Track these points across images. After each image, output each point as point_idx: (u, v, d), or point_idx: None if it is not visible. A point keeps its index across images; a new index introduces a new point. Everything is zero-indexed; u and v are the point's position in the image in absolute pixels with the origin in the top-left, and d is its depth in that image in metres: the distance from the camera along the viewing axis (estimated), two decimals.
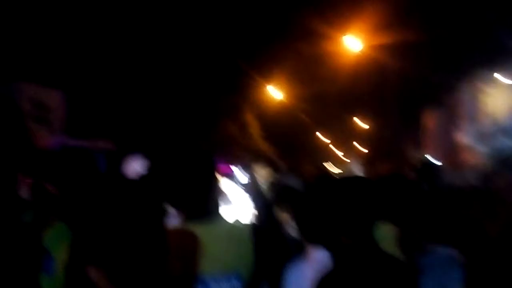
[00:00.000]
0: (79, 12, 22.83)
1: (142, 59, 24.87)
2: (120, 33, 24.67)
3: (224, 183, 3.17)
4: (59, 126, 22.55)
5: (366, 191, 1.82)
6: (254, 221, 2.54)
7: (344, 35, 18.02)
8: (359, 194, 1.79)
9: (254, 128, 30.81)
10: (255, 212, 2.35)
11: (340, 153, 56.04)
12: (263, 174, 3.27)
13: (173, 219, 2.17)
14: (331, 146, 52.37)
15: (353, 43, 17.78)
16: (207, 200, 1.79)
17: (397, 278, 1.63)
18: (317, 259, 1.87)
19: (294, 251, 2.03)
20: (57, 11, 22.26)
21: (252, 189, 2.23)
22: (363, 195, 1.79)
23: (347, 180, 2.07)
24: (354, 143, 48.14)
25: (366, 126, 39.80)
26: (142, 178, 3.00)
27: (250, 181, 2.29)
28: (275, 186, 2.94)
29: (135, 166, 3.72)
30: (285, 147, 33.19)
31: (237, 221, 1.83)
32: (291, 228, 2.29)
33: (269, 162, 3.61)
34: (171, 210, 2.84)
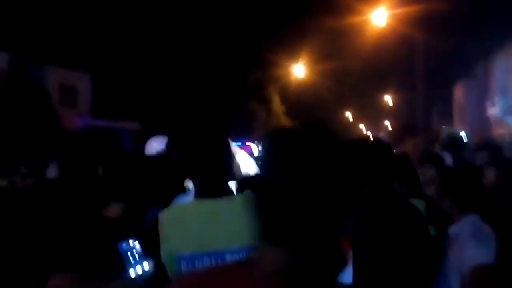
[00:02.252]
0: None
1: (166, 40, 24.97)
2: (144, 15, 24.78)
3: (241, 158, 3.18)
4: (86, 107, 23.10)
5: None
6: None
7: (371, 8, 17.51)
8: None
9: (276, 104, 30.75)
10: None
11: (365, 130, 55.46)
12: None
13: (191, 196, 2.19)
14: (356, 122, 51.84)
15: (379, 17, 17.24)
16: (220, 176, 1.80)
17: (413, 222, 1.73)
18: None
19: None
20: None
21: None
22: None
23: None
24: (382, 118, 47.48)
25: (392, 102, 39.12)
26: (161, 156, 3.05)
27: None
28: None
29: (156, 145, 3.78)
30: (307, 123, 32.98)
31: (252, 194, 1.83)
32: None
33: None
34: (191, 187, 2.89)
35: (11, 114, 13.16)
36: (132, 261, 1.73)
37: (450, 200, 2.12)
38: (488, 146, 3.85)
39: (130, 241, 1.76)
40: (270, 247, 0.90)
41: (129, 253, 1.73)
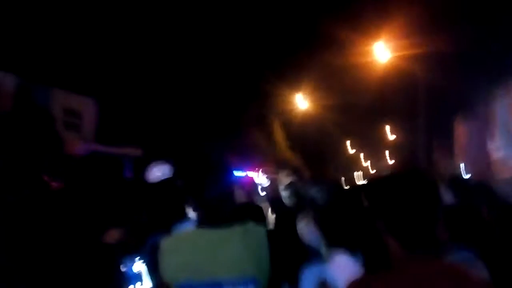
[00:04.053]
0: (112, 21, 23.47)
1: (170, 69, 25.31)
2: (148, 44, 25.24)
3: (241, 189, 3.18)
4: (89, 132, 23.15)
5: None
6: (271, 226, 2.55)
7: (373, 43, 17.82)
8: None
9: (280, 137, 30.82)
10: (273, 217, 2.36)
11: (368, 164, 55.36)
12: (284, 182, 3.28)
13: (192, 223, 2.18)
14: (358, 156, 51.82)
15: (382, 52, 17.53)
16: (222, 204, 1.80)
17: None
18: (340, 263, 1.92)
19: (311, 256, 2.05)
20: (90, 19, 22.99)
21: (271, 194, 2.24)
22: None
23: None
24: (385, 153, 47.47)
25: (395, 137, 39.23)
26: (162, 182, 3.04)
27: (269, 187, 2.31)
28: (298, 193, 2.94)
29: (157, 172, 3.78)
30: (311, 157, 32.99)
31: (252, 225, 1.83)
32: (310, 234, 2.30)
33: (293, 171, 3.63)
34: (191, 214, 2.87)
35: (16, 136, 13.14)
36: (132, 278, 1.73)
37: (447, 235, 2.18)
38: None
39: (132, 259, 1.76)
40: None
41: (129, 270, 1.73)
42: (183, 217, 2.76)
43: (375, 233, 1.46)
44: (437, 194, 1.47)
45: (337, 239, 2.04)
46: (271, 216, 2.50)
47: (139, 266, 1.75)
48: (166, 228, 2.33)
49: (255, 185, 2.54)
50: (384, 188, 1.49)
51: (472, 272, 1.44)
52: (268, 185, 2.31)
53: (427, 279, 1.35)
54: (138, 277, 1.72)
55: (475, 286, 1.37)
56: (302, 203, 2.90)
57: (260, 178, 2.43)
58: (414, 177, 1.47)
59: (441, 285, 1.34)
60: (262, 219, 2.49)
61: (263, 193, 2.46)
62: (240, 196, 3.70)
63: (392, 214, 1.43)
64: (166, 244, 1.78)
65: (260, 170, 2.39)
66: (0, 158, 2.25)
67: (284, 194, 2.63)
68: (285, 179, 3.34)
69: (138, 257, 1.75)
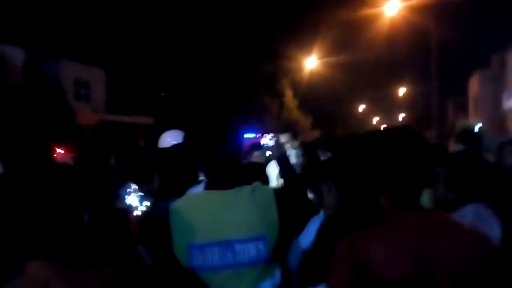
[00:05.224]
0: None
1: (179, 35, 25.03)
2: (157, 12, 24.92)
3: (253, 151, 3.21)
4: (100, 102, 23.32)
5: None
6: (278, 184, 2.60)
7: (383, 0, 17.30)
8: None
9: (289, 97, 30.62)
10: (280, 176, 2.40)
11: (378, 122, 54.96)
12: (290, 143, 3.32)
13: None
14: (369, 115, 51.36)
15: (392, 6, 17.02)
16: (229, 167, 1.83)
17: None
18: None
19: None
20: None
21: (278, 154, 2.27)
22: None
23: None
24: (396, 110, 46.98)
25: (406, 93, 38.71)
26: (174, 148, 3.09)
27: (276, 147, 2.34)
28: (306, 152, 2.97)
29: (169, 139, 3.83)
30: (321, 117, 32.86)
31: (259, 185, 1.86)
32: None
33: (293, 133, 3.65)
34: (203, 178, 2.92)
35: (27, 109, 13.35)
36: (131, 209, 1.85)
37: (454, 192, 2.15)
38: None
39: (125, 191, 1.85)
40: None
41: (125, 203, 1.84)
42: (196, 181, 2.82)
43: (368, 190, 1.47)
44: (428, 152, 1.45)
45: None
46: (275, 177, 2.55)
47: (133, 198, 1.84)
48: (179, 192, 2.37)
49: (260, 146, 2.58)
50: (374, 144, 1.49)
51: (466, 223, 1.46)
52: (273, 145, 2.34)
53: (415, 230, 1.36)
54: (135, 208, 1.83)
55: (465, 235, 1.38)
56: (310, 162, 2.94)
57: (265, 139, 2.44)
58: (404, 134, 1.46)
59: (429, 235, 1.34)
60: (264, 176, 2.53)
61: (268, 153, 2.49)
62: (257, 158, 3.73)
63: (382, 170, 1.43)
64: (176, 206, 1.82)
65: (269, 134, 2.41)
66: (11, 130, 2.28)
67: (292, 153, 2.67)
68: (289, 139, 3.37)
69: (131, 189, 1.83)
